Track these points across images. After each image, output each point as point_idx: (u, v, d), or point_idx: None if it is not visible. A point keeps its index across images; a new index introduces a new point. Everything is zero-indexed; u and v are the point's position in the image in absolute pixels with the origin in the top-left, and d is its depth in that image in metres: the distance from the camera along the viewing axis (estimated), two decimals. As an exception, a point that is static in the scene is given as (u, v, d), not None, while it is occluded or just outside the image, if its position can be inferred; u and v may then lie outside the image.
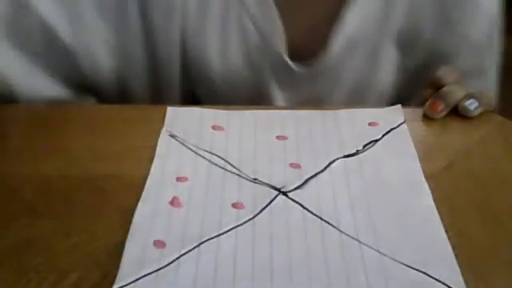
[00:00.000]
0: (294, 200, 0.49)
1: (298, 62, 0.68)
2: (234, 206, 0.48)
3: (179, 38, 0.67)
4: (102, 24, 0.65)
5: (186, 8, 0.65)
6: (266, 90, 0.69)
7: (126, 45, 0.68)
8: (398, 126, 0.58)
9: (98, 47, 0.66)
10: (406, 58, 0.71)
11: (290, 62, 0.67)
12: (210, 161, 0.53)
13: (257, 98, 0.69)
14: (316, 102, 0.69)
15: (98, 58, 0.67)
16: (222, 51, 0.67)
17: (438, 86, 0.60)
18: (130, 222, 0.46)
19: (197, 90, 0.70)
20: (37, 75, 0.64)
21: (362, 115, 0.59)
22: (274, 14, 0.64)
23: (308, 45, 0.67)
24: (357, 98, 0.70)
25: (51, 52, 0.63)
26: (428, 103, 0.60)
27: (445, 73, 0.62)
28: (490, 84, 0.72)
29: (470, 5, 0.68)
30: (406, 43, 0.70)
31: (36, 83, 0.65)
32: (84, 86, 0.68)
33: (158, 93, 0.70)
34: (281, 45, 0.66)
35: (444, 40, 0.69)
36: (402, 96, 0.71)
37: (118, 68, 0.68)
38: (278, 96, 0.70)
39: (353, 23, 0.66)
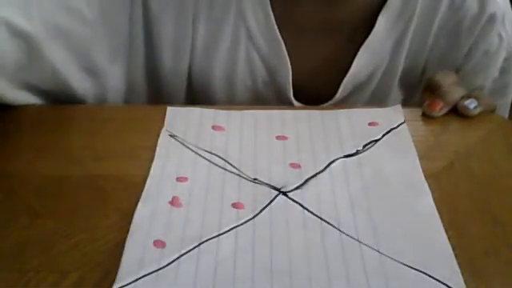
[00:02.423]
0: (294, 200, 0.49)
1: (304, 100, 0.68)
2: (234, 205, 0.48)
3: (186, 71, 0.67)
4: (114, 68, 0.65)
5: (194, 43, 0.65)
6: None
7: (133, 82, 0.67)
8: (398, 125, 0.58)
9: (108, 89, 0.66)
10: (410, 95, 0.71)
11: (294, 101, 0.67)
12: (210, 161, 0.53)
13: None
14: None
15: (106, 99, 0.66)
16: (228, 84, 0.67)
17: (435, 90, 0.60)
18: (130, 222, 0.46)
19: None
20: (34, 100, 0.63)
21: (362, 115, 0.59)
22: (282, 50, 0.64)
23: (314, 85, 0.67)
24: None
25: (60, 94, 0.63)
26: (427, 102, 0.60)
27: (442, 76, 0.62)
28: None
29: (480, 54, 0.67)
30: (411, 85, 0.70)
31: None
32: None
33: None
34: (286, 82, 0.66)
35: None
36: None
37: (123, 102, 0.68)
38: None
39: (361, 68, 0.66)
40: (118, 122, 0.59)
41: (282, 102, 0.68)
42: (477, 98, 0.59)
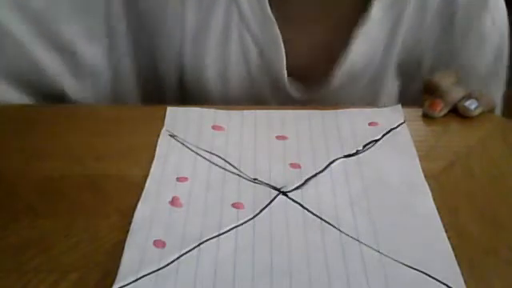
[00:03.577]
0: (294, 200, 0.49)
1: (299, 86, 0.67)
2: (234, 205, 0.48)
3: (177, 58, 0.66)
4: (92, 49, 0.64)
5: (184, 24, 0.64)
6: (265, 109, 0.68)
7: (120, 68, 0.67)
8: (398, 126, 0.58)
9: (89, 72, 0.65)
10: (407, 86, 0.71)
11: (289, 88, 0.67)
12: (210, 161, 0.53)
13: None
14: None
15: (92, 85, 0.66)
16: (221, 70, 0.66)
17: (435, 91, 0.60)
18: (130, 222, 0.46)
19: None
20: (12, 91, 0.63)
21: (362, 115, 0.59)
22: (275, 31, 0.63)
23: (309, 70, 0.66)
24: None
25: (37, 81, 0.63)
26: (427, 102, 0.60)
27: (441, 77, 0.62)
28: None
29: (475, 37, 0.67)
30: (408, 73, 0.70)
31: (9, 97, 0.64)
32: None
33: None
34: (281, 66, 0.65)
35: (445, 69, 0.68)
36: None
37: (111, 92, 0.68)
38: None
39: (357, 56, 0.65)
40: (118, 121, 0.59)
41: (276, 86, 0.67)
42: (477, 99, 0.59)
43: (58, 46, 0.63)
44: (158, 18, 0.64)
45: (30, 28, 0.60)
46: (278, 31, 0.63)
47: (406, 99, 0.70)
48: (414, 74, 0.70)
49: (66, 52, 0.63)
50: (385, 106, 0.61)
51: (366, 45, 0.65)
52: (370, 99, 0.70)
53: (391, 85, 0.70)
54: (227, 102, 0.67)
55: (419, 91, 0.66)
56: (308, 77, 0.66)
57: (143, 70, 0.68)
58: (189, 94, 0.68)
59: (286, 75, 0.66)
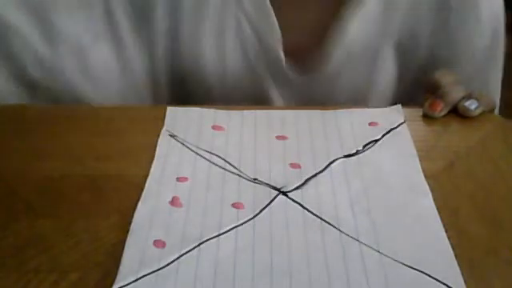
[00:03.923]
0: (294, 200, 0.49)
1: (296, 66, 0.67)
2: (234, 205, 0.48)
3: (172, 44, 0.67)
4: (102, 48, 0.65)
5: (180, 12, 0.65)
6: (263, 92, 0.69)
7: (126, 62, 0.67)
8: (398, 125, 0.58)
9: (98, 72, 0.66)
10: (405, 65, 0.71)
11: (287, 70, 0.67)
12: (210, 161, 0.53)
13: (254, 99, 0.69)
14: (314, 104, 0.69)
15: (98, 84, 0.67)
16: (218, 53, 0.67)
17: (435, 89, 0.60)
18: (130, 222, 0.46)
19: (191, 93, 0.70)
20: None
21: (362, 115, 0.59)
22: (271, 13, 0.64)
23: (307, 50, 0.66)
24: (355, 104, 0.70)
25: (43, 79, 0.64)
26: (428, 102, 0.60)
27: (441, 75, 0.62)
28: (492, 95, 0.72)
29: (471, 16, 0.67)
30: (405, 51, 0.70)
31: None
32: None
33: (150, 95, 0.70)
34: (278, 47, 0.66)
35: (443, 48, 0.68)
36: (401, 102, 0.71)
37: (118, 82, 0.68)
38: (276, 97, 0.69)
39: (352, 33, 0.65)
40: (118, 121, 0.59)
41: (274, 67, 0.67)
42: (477, 99, 0.59)
43: (66, 45, 0.63)
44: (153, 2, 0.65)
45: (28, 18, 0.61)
46: (272, 11, 0.63)
47: (403, 80, 0.70)
48: (412, 52, 0.69)
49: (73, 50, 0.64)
50: (385, 106, 0.61)
51: (362, 23, 0.65)
52: (368, 79, 0.70)
53: (389, 63, 0.70)
54: (225, 81, 0.68)
55: (416, 72, 0.66)
56: (305, 58, 0.67)
57: (142, 44, 0.68)
58: (186, 74, 0.68)
59: (283, 56, 0.66)
